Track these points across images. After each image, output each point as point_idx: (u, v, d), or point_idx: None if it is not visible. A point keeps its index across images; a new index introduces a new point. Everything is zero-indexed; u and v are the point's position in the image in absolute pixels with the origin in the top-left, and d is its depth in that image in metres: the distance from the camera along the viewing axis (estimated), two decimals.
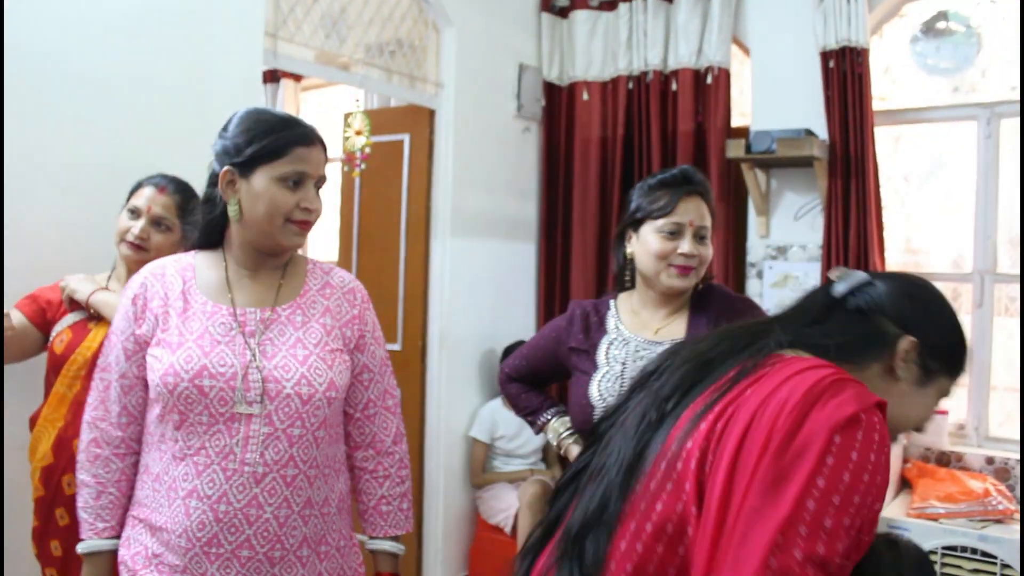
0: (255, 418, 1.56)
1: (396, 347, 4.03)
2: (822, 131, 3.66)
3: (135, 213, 2.18)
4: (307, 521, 1.62)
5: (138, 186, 2.21)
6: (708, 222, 1.99)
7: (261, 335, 1.62)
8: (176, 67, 2.73)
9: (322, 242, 5.78)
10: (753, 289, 3.96)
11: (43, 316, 2.18)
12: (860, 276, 1.33)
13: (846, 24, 3.52)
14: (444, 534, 3.99)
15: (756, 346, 1.24)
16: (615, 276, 2.13)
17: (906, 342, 1.26)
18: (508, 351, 4.04)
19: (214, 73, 2.85)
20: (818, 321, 1.31)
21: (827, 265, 3.66)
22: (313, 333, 1.66)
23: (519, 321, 4.32)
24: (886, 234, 3.64)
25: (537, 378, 2.23)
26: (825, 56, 3.59)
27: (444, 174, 3.94)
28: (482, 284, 4.12)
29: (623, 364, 1.96)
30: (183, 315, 1.62)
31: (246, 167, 1.61)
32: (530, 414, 2.23)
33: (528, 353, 2.22)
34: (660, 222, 1.94)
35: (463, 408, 4.05)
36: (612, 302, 2.09)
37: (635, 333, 2.00)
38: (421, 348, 3.97)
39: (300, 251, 1.79)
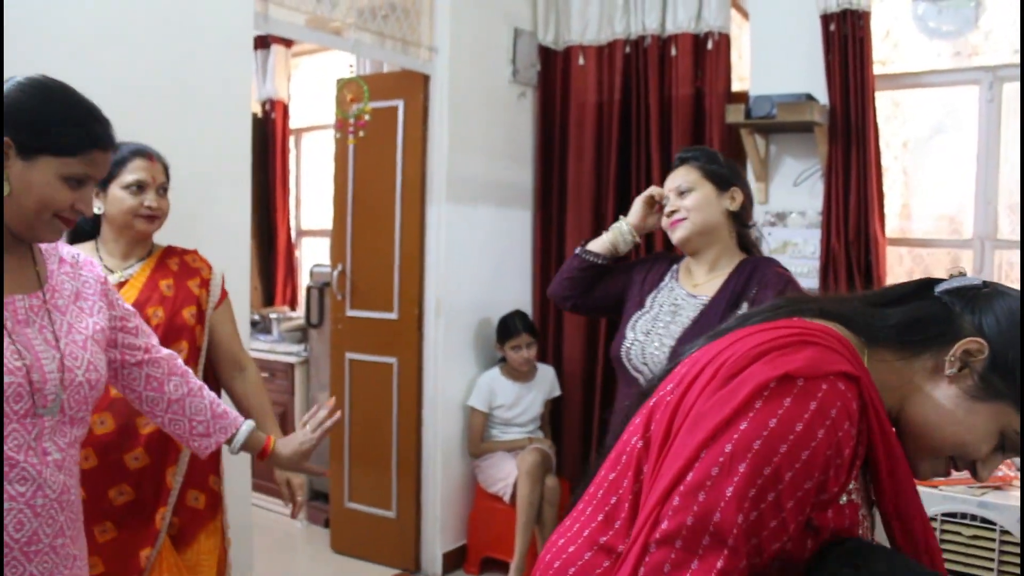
0: (48, 408, 1.48)
1: (392, 316, 4.00)
2: (822, 96, 3.61)
3: (139, 186, 2.16)
4: (80, 502, 1.61)
5: (119, 162, 2.16)
6: (688, 179, 2.33)
7: (35, 324, 1.50)
8: (160, 29, 2.66)
9: (316, 210, 5.74)
10: None
11: None
12: (973, 280, 1.18)
13: None
14: (443, 503, 3.99)
15: (774, 310, 1.19)
16: None
17: (971, 342, 1.10)
18: (504, 321, 4.01)
19: (202, 37, 2.78)
20: (889, 304, 1.20)
21: (827, 232, 3.63)
22: (77, 316, 1.59)
23: (515, 289, 4.29)
24: (886, 200, 3.61)
25: (602, 274, 2.47)
26: (826, 19, 3.53)
27: (439, 140, 3.88)
28: (478, 251, 4.08)
29: (660, 307, 2.28)
30: None
31: (30, 150, 1.44)
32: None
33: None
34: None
35: (460, 377, 4.03)
36: (683, 260, 2.41)
37: (682, 285, 2.33)
38: (417, 316, 3.94)
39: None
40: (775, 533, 0.99)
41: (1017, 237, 3.50)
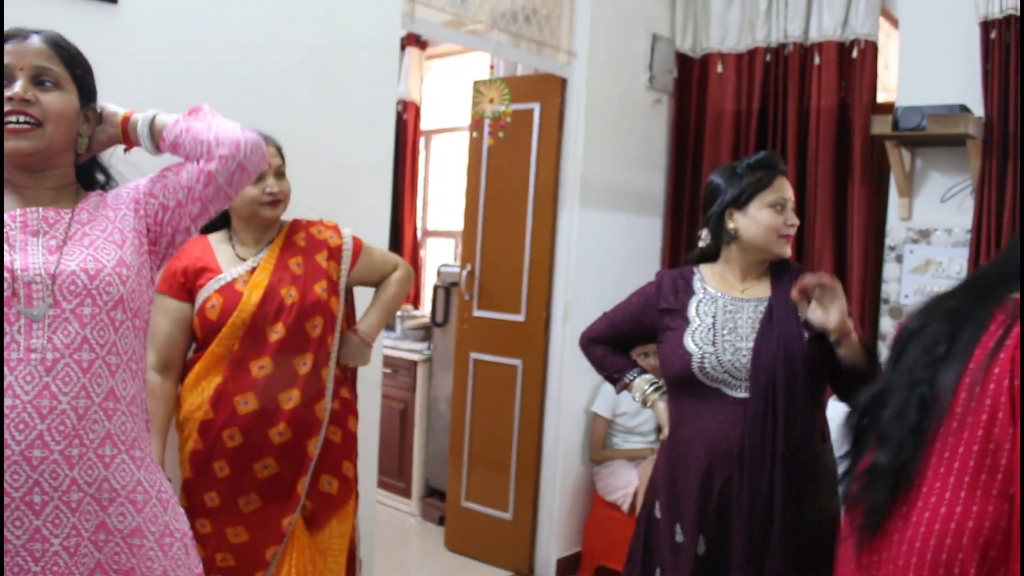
0: (36, 300, 1.38)
1: (519, 318, 4.01)
2: (976, 108, 3.45)
3: (259, 175, 2.16)
4: (111, 415, 1.44)
5: None
6: (792, 195, 2.27)
7: (46, 234, 1.46)
8: (316, 30, 2.73)
9: (442, 212, 5.81)
10: (891, 273, 3.78)
11: (186, 289, 2.20)
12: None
13: None
14: (559, 508, 3.97)
15: (996, 296, 1.39)
16: (702, 252, 2.35)
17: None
18: None
19: (354, 36, 2.84)
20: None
21: (975, 250, 3.46)
22: (97, 225, 1.52)
23: None
24: None
25: (621, 341, 2.44)
26: (986, 26, 3.36)
27: (574, 145, 3.88)
28: (608, 257, 4.05)
29: (713, 318, 2.20)
30: None
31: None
32: (616, 372, 2.43)
33: (614, 319, 2.43)
34: (770, 197, 2.19)
35: (584, 382, 3.99)
36: (696, 269, 2.32)
37: (722, 292, 2.24)
38: (544, 319, 3.94)
39: None
40: None
41: None
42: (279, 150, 2.28)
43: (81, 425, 1.40)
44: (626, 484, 3.81)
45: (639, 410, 3.92)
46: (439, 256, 5.76)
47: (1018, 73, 3.31)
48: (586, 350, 2.49)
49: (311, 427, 2.22)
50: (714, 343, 2.14)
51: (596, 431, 3.98)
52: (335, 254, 2.34)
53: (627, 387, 2.41)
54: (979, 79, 3.42)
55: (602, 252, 4.02)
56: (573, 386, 3.95)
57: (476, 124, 3.87)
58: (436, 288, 4.69)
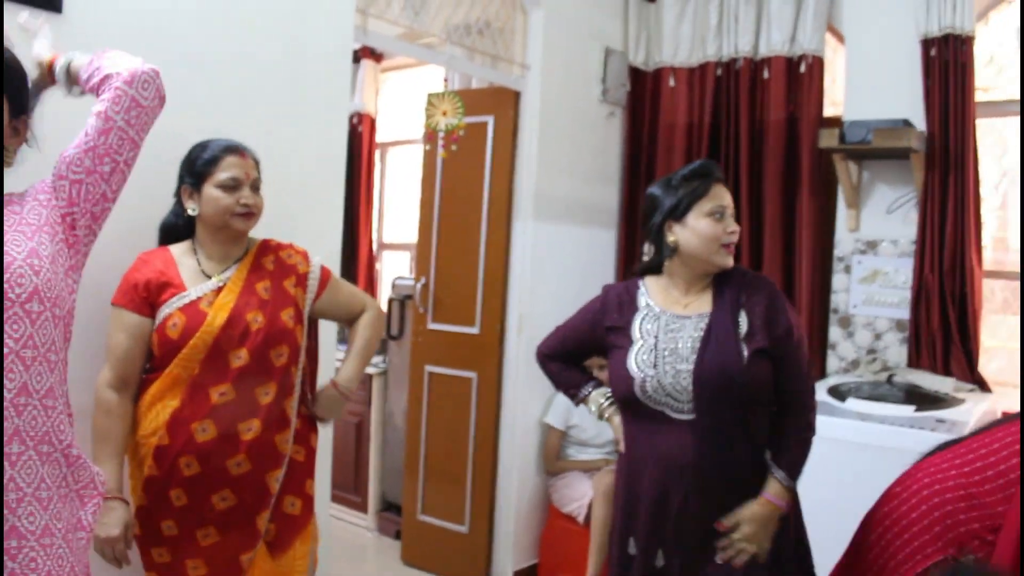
0: None
1: (474, 330, 4.01)
2: (919, 122, 3.53)
3: (235, 184, 2.12)
4: (21, 411, 1.41)
5: (211, 161, 2.13)
6: (730, 203, 2.19)
7: None
8: (269, 42, 2.72)
9: (397, 224, 5.80)
10: (840, 284, 3.85)
11: (148, 303, 2.10)
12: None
13: (951, 10, 3.39)
14: (516, 520, 3.97)
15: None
16: (648, 264, 2.25)
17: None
18: None
19: (306, 48, 2.83)
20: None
21: (920, 261, 3.53)
22: (7, 222, 1.50)
23: None
24: (984, 231, 3.51)
25: (571, 357, 2.42)
26: (926, 44, 3.46)
27: (528, 157, 3.90)
28: (562, 269, 4.07)
29: (656, 337, 2.13)
30: None
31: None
32: (572, 387, 2.41)
33: (565, 335, 2.41)
34: (707, 206, 2.11)
35: (539, 394, 4.01)
36: (641, 283, 2.25)
37: (665, 308, 2.17)
38: (499, 332, 3.94)
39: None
40: None
41: None
42: (257, 163, 2.21)
43: (11, 434, 1.36)
44: (581, 496, 3.82)
45: (593, 422, 3.93)
46: (395, 269, 5.74)
47: (957, 90, 3.39)
48: (542, 365, 2.47)
49: (272, 460, 2.14)
50: (655, 366, 2.08)
51: (550, 443, 3.98)
52: (302, 281, 2.26)
53: (584, 401, 2.37)
54: (920, 95, 3.51)
55: (556, 264, 4.04)
56: (528, 398, 3.96)
57: (429, 137, 3.88)
58: (391, 301, 4.67)
